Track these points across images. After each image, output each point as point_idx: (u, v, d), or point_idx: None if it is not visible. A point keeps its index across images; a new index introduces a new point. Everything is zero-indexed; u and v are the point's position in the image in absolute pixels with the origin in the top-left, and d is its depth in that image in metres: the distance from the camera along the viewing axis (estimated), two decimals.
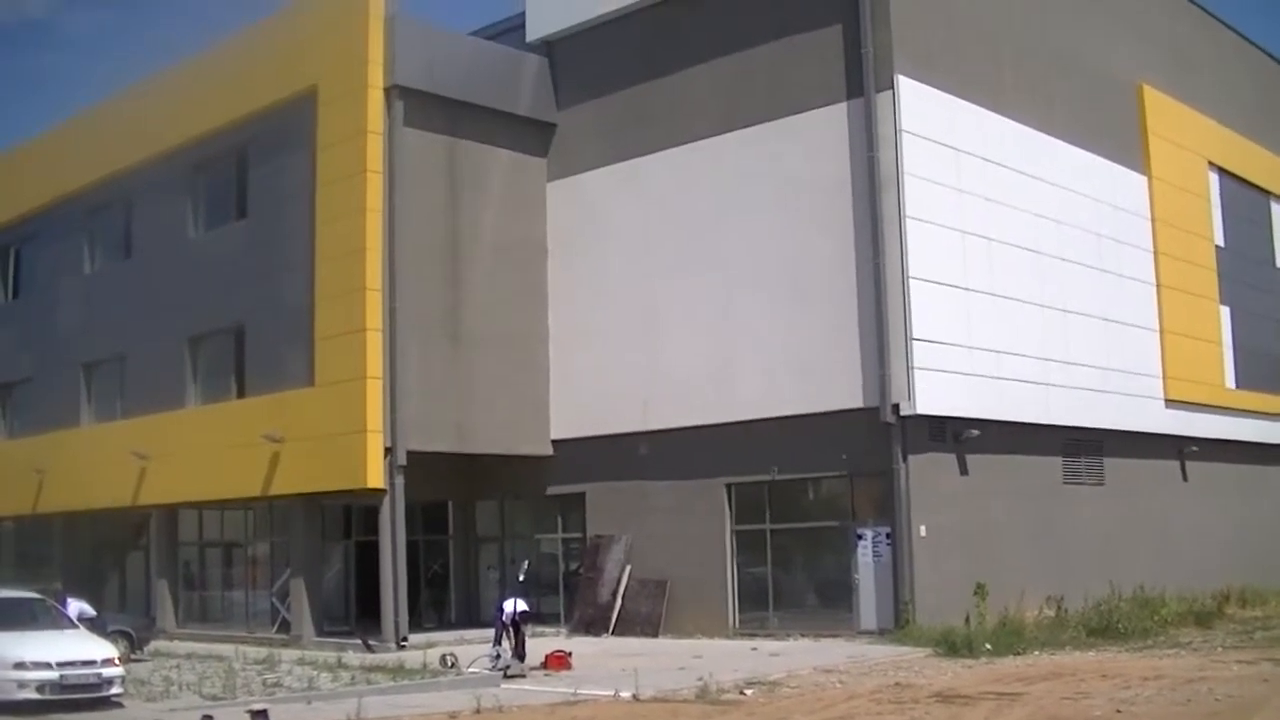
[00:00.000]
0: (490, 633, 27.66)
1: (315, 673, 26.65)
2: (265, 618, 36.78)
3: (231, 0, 54.68)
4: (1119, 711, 18.90)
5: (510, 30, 38.97)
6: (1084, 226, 37.24)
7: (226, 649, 31.22)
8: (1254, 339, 45.74)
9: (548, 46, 38.03)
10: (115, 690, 22.08)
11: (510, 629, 26.54)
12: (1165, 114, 41.75)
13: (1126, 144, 40.00)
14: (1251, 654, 26.26)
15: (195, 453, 36.93)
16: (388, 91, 33.78)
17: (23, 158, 47.15)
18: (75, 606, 27.77)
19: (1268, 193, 48.58)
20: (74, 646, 22.27)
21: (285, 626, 35.43)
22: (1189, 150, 43.00)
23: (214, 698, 23.21)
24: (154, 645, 32.30)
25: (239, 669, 27.25)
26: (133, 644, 30.30)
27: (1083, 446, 36.37)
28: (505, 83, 36.93)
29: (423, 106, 34.50)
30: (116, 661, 22.38)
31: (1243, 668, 23.88)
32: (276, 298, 35.52)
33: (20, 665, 21.19)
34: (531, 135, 37.41)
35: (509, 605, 26.73)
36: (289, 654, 30.48)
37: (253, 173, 37.41)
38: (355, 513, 36.92)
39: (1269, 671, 23.09)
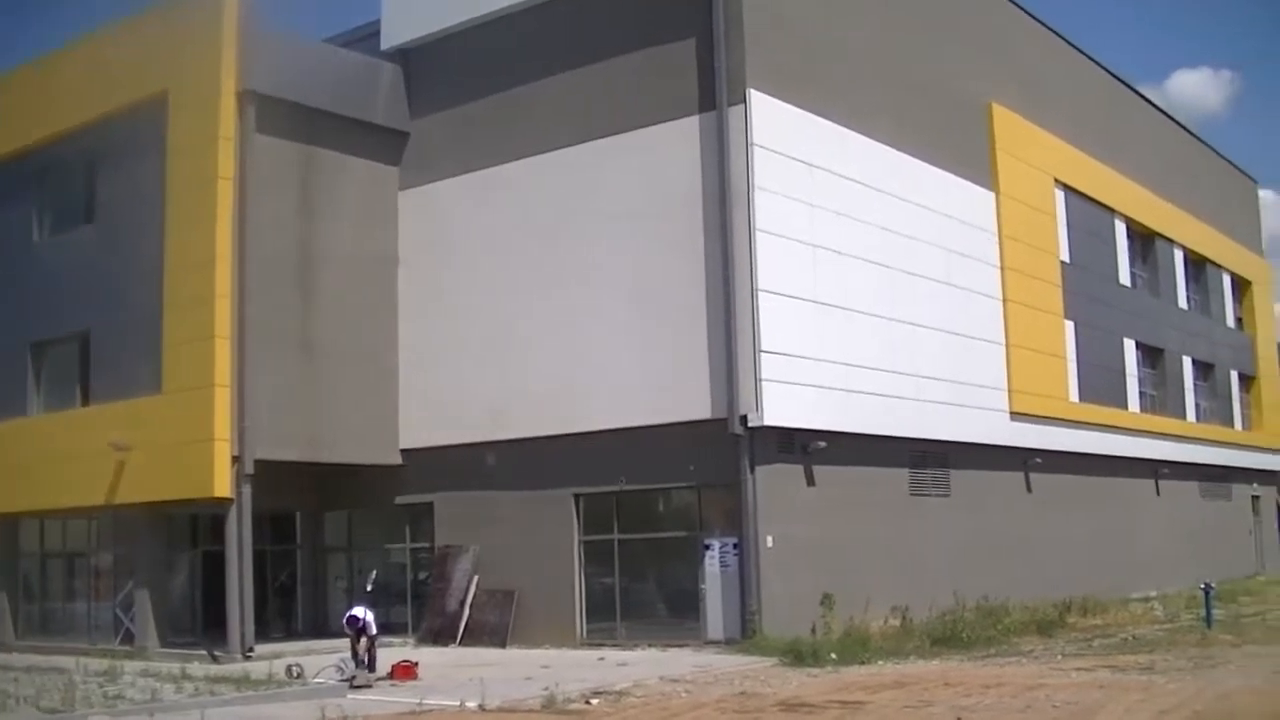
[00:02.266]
0: (338, 643, 27.49)
1: (159, 684, 26.17)
2: (108, 629, 36.02)
3: (85, 5, 53.66)
4: (959, 718, 19.23)
5: (365, 38, 38.57)
6: (933, 241, 37.72)
7: (68, 661, 30.56)
8: (1097, 353, 46.79)
9: (403, 55, 37.76)
10: None
11: (356, 637, 26.46)
12: (1014, 132, 42.53)
13: (976, 161, 40.63)
14: (1090, 661, 26.83)
15: (37, 461, 36.23)
16: (240, 97, 33.31)
17: None
18: None
19: (1112, 210, 49.75)
20: None
21: (129, 638, 34.78)
22: (1037, 168, 43.87)
23: (53, 711, 22.75)
24: None
25: (80, 681, 26.70)
26: None
27: (929, 458, 36.86)
28: (360, 91, 36.67)
29: (276, 113, 34.09)
30: None
31: (1081, 675, 24.35)
32: (124, 304, 34.88)
33: None
34: (385, 144, 37.19)
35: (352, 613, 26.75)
36: (132, 665, 29.94)
37: (101, 178, 36.74)
38: (202, 522, 36.34)
39: (1106, 679, 23.57)
